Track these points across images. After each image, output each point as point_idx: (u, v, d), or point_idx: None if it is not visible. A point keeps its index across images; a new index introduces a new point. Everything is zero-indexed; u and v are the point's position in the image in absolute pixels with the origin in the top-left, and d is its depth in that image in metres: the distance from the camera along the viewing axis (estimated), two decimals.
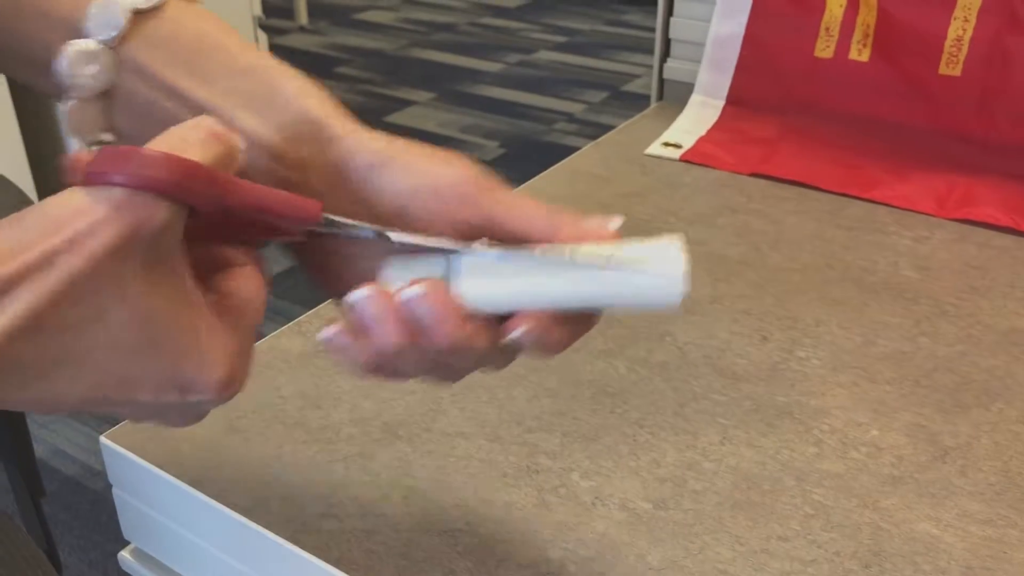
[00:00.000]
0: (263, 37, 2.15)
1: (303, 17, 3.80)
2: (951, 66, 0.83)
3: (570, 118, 3.01)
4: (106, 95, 0.37)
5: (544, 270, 0.35)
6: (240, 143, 0.34)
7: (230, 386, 0.33)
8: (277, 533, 0.48)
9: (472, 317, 0.35)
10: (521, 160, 2.75)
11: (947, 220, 0.77)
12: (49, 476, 1.58)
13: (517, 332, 0.35)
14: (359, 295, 0.35)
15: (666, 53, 0.99)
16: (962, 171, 0.82)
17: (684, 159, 0.88)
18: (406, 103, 3.14)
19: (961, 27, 0.82)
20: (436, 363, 0.36)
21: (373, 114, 3.05)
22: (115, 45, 0.36)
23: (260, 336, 0.63)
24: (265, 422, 0.55)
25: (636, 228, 0.76)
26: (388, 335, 0.35)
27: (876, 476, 0.51)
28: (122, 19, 0.36)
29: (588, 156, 0.89)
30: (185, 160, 0.30)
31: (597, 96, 3.16)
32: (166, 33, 0.37)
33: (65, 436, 1.66)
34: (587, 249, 0.35)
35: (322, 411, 0.56)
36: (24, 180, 1.88)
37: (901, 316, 0.65)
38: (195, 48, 0.37)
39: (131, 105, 0.37)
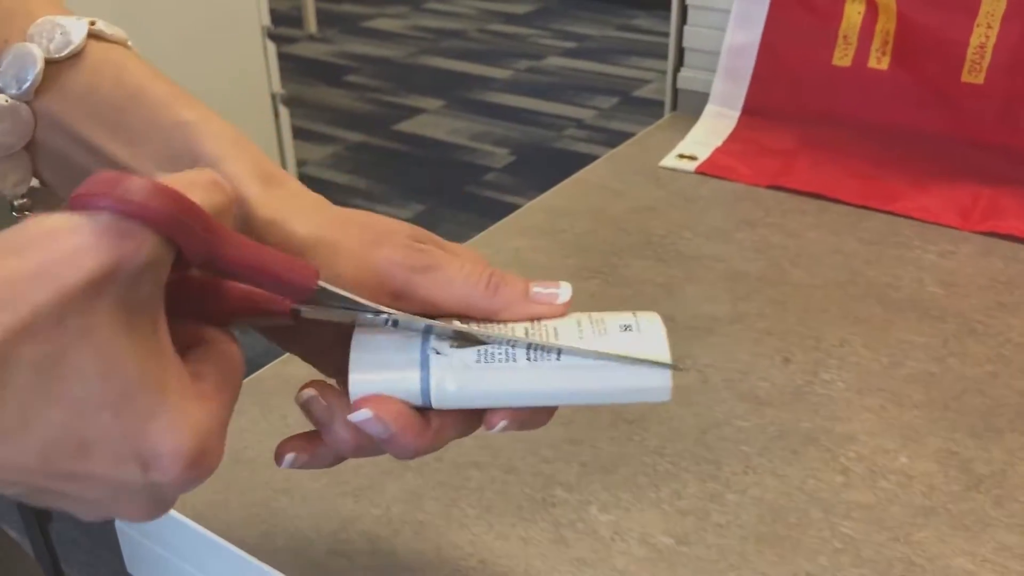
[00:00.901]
0: (271, 47, 2.14)
1: (312, 26, 3.80)
2: (974, 74, 0.81)
3: (580, 124, 2.99)
4: (27, 148, 0.34)
5: (527, 375, 0.33)
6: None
7: (198, 464, 0.28)
8: (285, 572, 0.46)
9: (434, 419, 0.34)
10: (532, 167, 2.73)
11: (972, 233, 0.75)
12: None
13: (499, 427, 0.34)
14: (307, 396, 0.34)
15: (680, 62, 0.97)
16: (986, 181, 0.80)
17: (699, 171, 0.86)
18: (416, 111, 3.13)
19: (984, 34, 0.80)
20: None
21: (382, 122, 3.04)
22: (30, 99, 0.33)
23: (266, 361, 0.61)
24: (271, 452, 0.53)
25: (651, 244, 0.74)
26: (342, 440, 0.34)
27: (907, 507, 0.49)
28: (32, 72, 0.33)
29: (601, 169, 0.87)
30: (180, 194, 0.27)
31: (607, 102, 3.14)
32: (84, 85, 0.34)
33: None
34: (570, 338, 0.33)
35: None
36: None
37: (928, 335, 0.63)
38: (116, 102, 0.34)
39: (53, 160, 0.35)
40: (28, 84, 0.33)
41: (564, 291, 0.35)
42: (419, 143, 2.91)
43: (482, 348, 0.33)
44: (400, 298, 0.34)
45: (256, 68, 2.13)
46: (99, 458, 0.27)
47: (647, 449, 0.53)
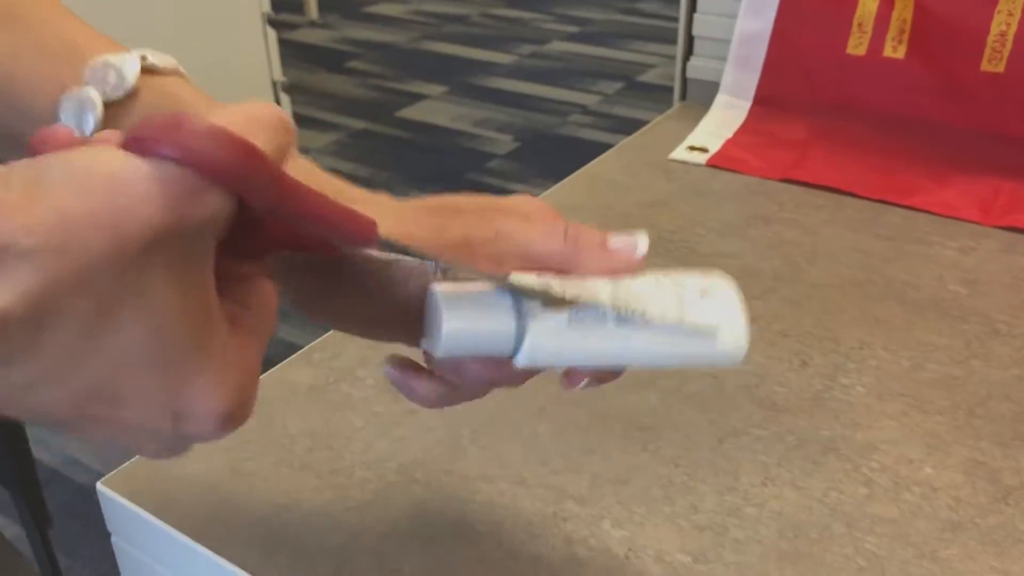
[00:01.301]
0: (272, 33, 2.11)
1: (313, 11, 3.77)
2: (994, 63, 0.79)
3: (584, 110, 2.97)
4: None
5: (615, 341, 0.34)
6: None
7: (231, 422, 0.28)
8: None
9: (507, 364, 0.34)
10: (535, 154, 2.70)
11: (993, 228, 0.73)
12: (62, 485, 1.56)
13: (581, 385, 0.35)
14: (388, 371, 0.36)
15: (689, 50, 0.95)
16: (1007, 174, 0.78)
17: (711, 164, 0.83)
18: (418, 97, 3.10)
19: (1005, 21, 0.77)
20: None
21: (385, 109, 3.01)
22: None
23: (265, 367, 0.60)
24: (272, 464, 0.51)
25: (662, 240, 0.72)
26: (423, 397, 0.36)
27: (933, 521, 0.47)
28: (93, 117, 0.32)
29: (609, 162, 0.85)
30: (249, 144, 0.25)
31: (611, 87, 3.11)
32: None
33: (77, 444, 1.64)
34: (655, 311, 0.34)
35: (333, 451, 0.52)
36: None
37: (949, 336, 0.61)
38: None
39: None
40: (91, 129, 0.32)
41: (642, 243, 0.35)
42: (422, 130, 2.89)
43: (574, 310, 0.33)
44: (489, 260, 0.34)
45: (256, 55, 2.10)
46: (132, 408, 0.26)
47: (662, 459, 0.51)
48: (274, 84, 2.14)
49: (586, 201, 0.78)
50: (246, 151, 0.25)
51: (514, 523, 0.47)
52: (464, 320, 0.33)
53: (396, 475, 0.50)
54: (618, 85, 3.13)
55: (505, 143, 2.78)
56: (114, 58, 0.34)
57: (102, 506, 0.51)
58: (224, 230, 0.27)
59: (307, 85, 3.19)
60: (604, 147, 0.87)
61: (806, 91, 0.87)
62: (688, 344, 0.35)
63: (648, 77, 3.18)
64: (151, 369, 0.26)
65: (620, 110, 2.95)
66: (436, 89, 3.16)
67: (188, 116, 0.24)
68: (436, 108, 3.03)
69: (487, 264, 0.34)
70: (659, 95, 2.96)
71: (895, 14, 0.82)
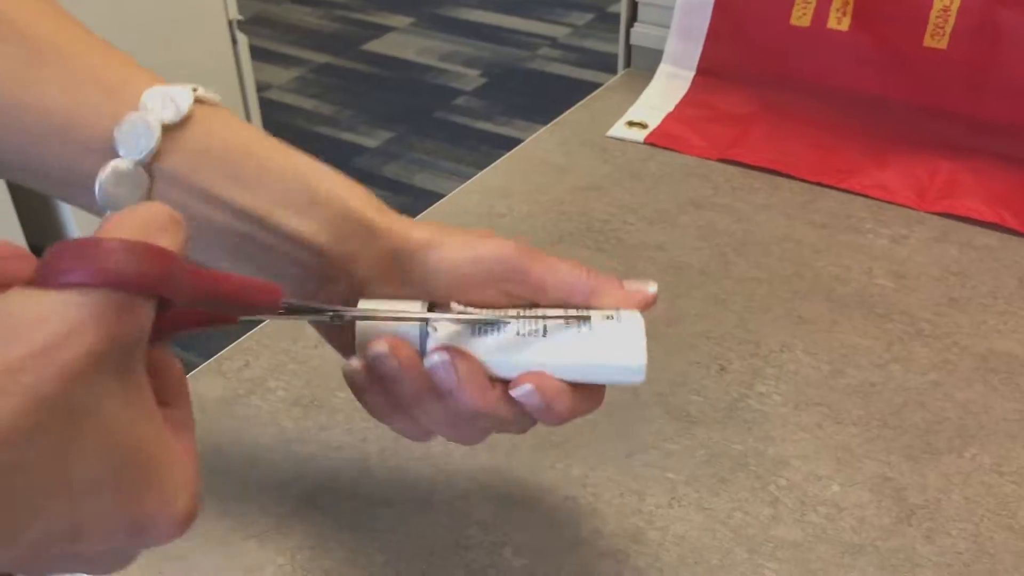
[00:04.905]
0: None
1: None
2: (936, 38, 0.77)
3: (554, 43, 2.91)
4: None
5: (512, 346, 0.37)
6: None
7: (188, 521, 0.28)
8: None
9: (495, 384, 0.37)
10: (503, 91, 2.66)
11: (928, 214, 0.72)
12: None
13: (523, 389, 0.37)
14: (379, 350, 0.36)
15: (633, 17, 0.92)
16: (946, 152, 0.77)
17: (649, 141, 0.81)
18: (384, 29, 3.03)
19: None
20: (457, 420, 0.38)
21: (350, 42, 2.94)
22: (148, 162, 0.36)
23: None
24: None
25: (592, 232, 0.70)
26: (411, 390, 0.37)
27: (835, 544, 0.47)
28: (153, 138, 0.35)
29: (546, 140, 0.83)
30: (165, 251, 0.26)
31: (582, 18, 3.05)
32: (197, 144, 0.36)
33: None
34: (557, 321, 0.38)
35: (235, 473, 0.51)
36: None
37: (872, 338, 0.60)
38: (228, 155, 0.37)
39: None
40: (149, 150, 0.35)
41: (652, 286, 0.40)
42: (387, 64, 2.83)
43: (479, 325, 0.37)
44: (512, 279, 0.38)
45: None
46: (90, 537, 0.26)
47: (570, 478, 0.51)
48: (230, 23, 2.08)
49: (519, 185, 0.76)
50: (162, 258, 0.26)
51: (415, 552, 0.47)
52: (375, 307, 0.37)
53: (297, 501, 0.50)
54: (588, 16, 3.06)
55: (472, 78, 2.73)
56: (169, 88, 0.36)
57: None
58: (150, 330, 0.27)
59: (270, 16, 3.11)
60: (572, 83, 0.85)
61: (749, 62, 0.85)
62: (586, 355, 0.37)
63: (619, 7, 3.11)
64: (106, 489, 0.26)
65: (590, 43, 2.89)
66: (403, 20, 3.08)
67: (95, 239, 0.25)
68: (403, 41, 2.96)
69: (526, 273, 0.38)
70: None
71: None
